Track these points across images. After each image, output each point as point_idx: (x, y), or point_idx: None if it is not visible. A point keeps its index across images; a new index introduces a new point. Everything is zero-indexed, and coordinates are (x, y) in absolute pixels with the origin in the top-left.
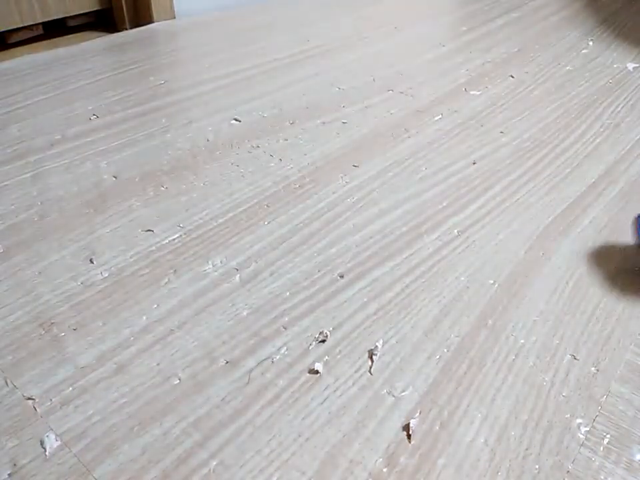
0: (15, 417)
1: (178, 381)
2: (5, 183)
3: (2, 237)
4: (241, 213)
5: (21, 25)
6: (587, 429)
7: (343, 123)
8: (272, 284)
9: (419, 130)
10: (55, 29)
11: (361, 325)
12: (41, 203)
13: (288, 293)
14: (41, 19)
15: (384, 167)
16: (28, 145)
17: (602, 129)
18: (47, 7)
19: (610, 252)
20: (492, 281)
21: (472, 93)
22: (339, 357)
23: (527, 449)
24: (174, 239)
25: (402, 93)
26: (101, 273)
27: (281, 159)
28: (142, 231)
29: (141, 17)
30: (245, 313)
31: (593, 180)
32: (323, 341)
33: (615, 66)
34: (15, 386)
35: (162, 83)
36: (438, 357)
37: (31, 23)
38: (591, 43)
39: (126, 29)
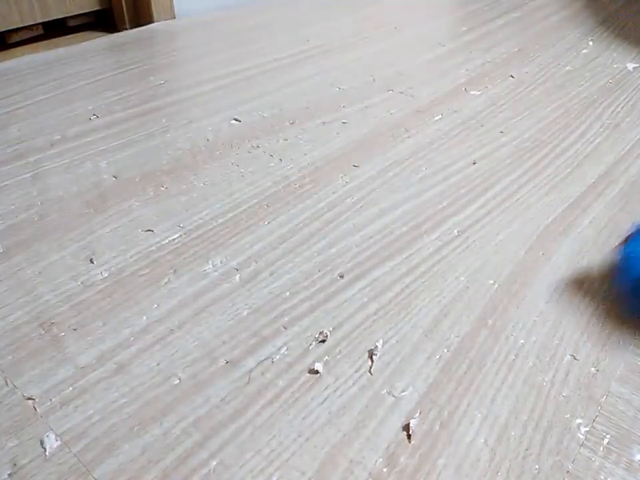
0: (15, 417)
1: (178, 381)
2: (5, 183)
3: (2, 236)
4: (241, 213)
5: (20, 25)
6: (587, 429)
7: (343, 123)
8: (272, 284)
9: (418, 130)
10: (55, 29)
11: (361, 325)
12: (40, 203)
13: (288, 293)
14: (41, 18)
15: (384, 167)
16: (28, 145)
17: (602, 129)
18: (46, 7)
19: (609, 252)
20: (492, 281)
21: (472, 93)
22: (338, 357)
23: (527, 449)
24: (174, 239)
25: (402, 93)
26: (101, 273)
27: (281, 159)
28: (142, 231)
29: (141, 16)
30: (245, 313)
31: (593, 180)
32: (323, 341)
33: (615, 66)
34: (15, 386)
35: (162, 83)
36: (438, 357)
37: (31, 23)
38: (591, 43)
39: (126, 29)
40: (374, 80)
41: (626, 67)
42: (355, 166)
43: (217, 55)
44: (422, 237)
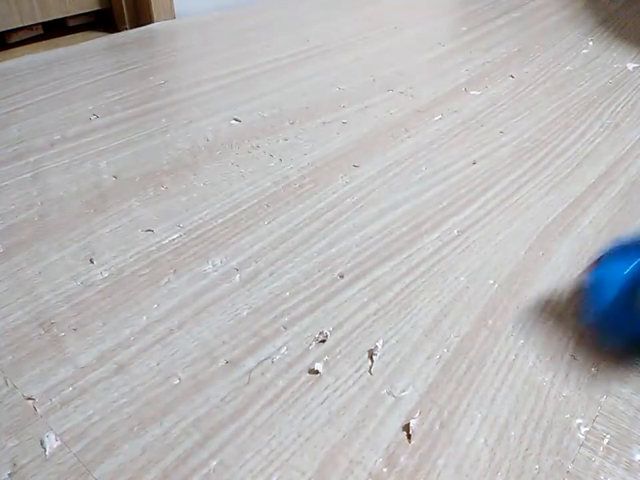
0: (15, 417)
1: (178, 381)
2: (5, 183)
3: (2, 236)
4: (241, 213)
5: (20, 25)
6: (587, 429)
7: (343, 123)
8: (272, 284)
9: (418, 130)
10: (55, 29)
11: (361, 325)
12: (40, 203)
13: (288, 293)
14: (41, 19)
15: (384, 167)
16: (28, 145)
17: (602, 129)
18: (47, 6)
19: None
20: (492, 281)
21: (472, 92)
22: (338, 357)
23: (527, 449)
24: (174, 239)
25: (402, 93)
26: (101, 272)
27: (281, 159)
28: (142, 231)
29: (141, 17)
30: (245, 313)
31: (593, 180)
32: (323, 341)
33: (615, 66)
34: (15, 386)
35: (162, 83)
36: (438, 357)
37: (31, 23)
38: (591, 43)
39: (126, 29)
40: (374, 80)
41: (626, 67)
42: (355, 166)
43: (217, 54)
44: (422, 236)
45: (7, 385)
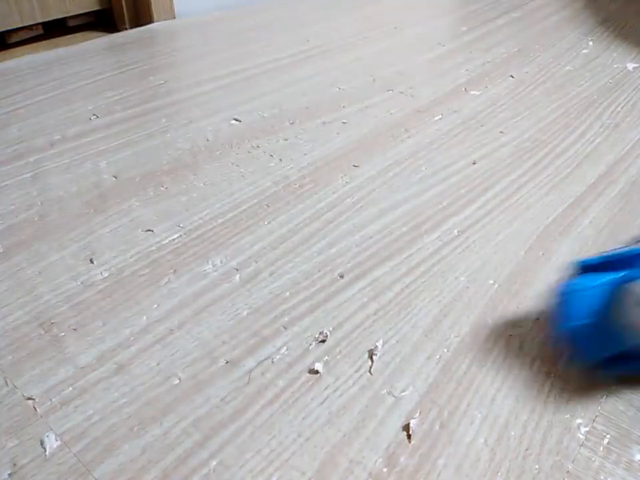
0: (14, 417)
1: (178, 381)
2: (5, 183)
3: (2, 236)
4: (241, 213)
5: (20, 25)
6: (587, 429)
7: (343, 123)
8: (272, 284)
9: (419, 130)
10: (55, 29)
11: (361, 325)
12: (40, 203)
13: (288, 293)
14: (41, 18)
15: (384, 167)
16: (28, 145)
17: (602, 129)
18: (47, 6)
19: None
20: (492, 281)
21: (472, 92)
22: (338, 357)
23: (526, 449)
24: (174, 239)
25: (402, 93)
26: (101, 272)
27: (281, 159)
28: (142, 231)
29: (141, 17)
30: (244, 313)
31: (593, 180)
32: (323, 341)
33: (615, 66)
34: (15, 386)
35: (162, 83)
36: (438, 357)
37: (31, 23)
38: (591, 43)
39: (126, 29)
40: (374, 80)
41: (626, 67)
42: (355, 166)
43: (217, 54)
44: (422, 236)
45: (6, 385)
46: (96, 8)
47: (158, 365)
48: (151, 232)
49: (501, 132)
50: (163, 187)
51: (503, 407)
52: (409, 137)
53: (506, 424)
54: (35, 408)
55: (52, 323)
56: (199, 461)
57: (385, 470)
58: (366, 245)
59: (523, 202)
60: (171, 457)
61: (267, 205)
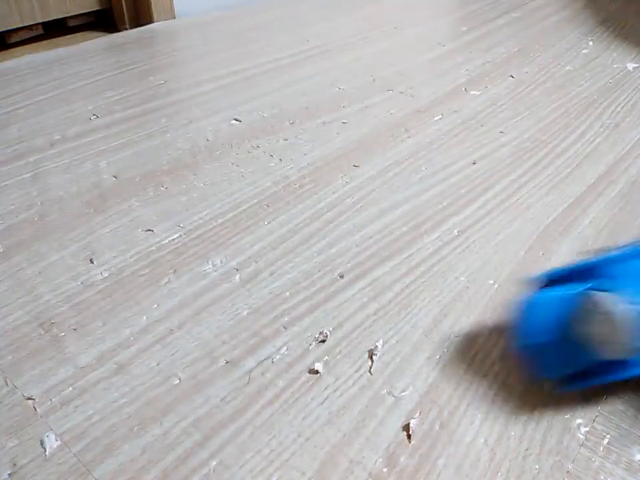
0: (15, 417)
1: (178, 381)
2: (5, 183)
3: (2, 236)
4: (241, 213)
5: (20, 25)
6: (587, 429)
7: (343, 123)
8: (272, 284)
9: (419, 130)
10: (55, 29)
11: (361, 325)
12: (40, 203)
13: (288, 293)
14: (41, 19)
15: (384, 167)
16: (28, 145)
17: (602, 129)
18: (47, 6)
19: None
20: (492, 281)
21: (472, 92)
22: (338, 357)
23: (527, 449)
24: (174, 239)
25: (402, 93)
26: (101, 272)
27: (281, 159)
28: (142, 230)
29: (141, 17)
30: (245, 313)
31: (593, 180)
32: (323, 341)
33: (615, 66)
34: (15, 386)
35: (162, 83)
36: (438, 357)
37: (31, 23)
38: (591, 43)
39: (126, 29)
40: (374, 80)
41: (626, 67)
42: (355, 166)
43: (216, 54)
44: (422, 236)
45: (7, 385)
46: (96, 8)
47: (158, 365)
48: (151, 232)
49: (501, 132)
50: (162, 187)
51: (503, 407)
52: (408, 137)
53: (506, 424)
54: (34, 408)
55: (52, 323)
56: (199, 461)
57: (385, 470)
58: (366, 245)
59: (523, 202)
60: (171, 457)
61: (267, 205)
